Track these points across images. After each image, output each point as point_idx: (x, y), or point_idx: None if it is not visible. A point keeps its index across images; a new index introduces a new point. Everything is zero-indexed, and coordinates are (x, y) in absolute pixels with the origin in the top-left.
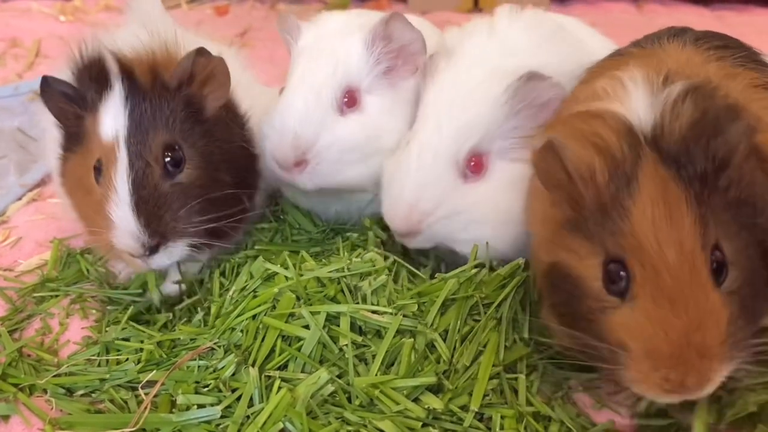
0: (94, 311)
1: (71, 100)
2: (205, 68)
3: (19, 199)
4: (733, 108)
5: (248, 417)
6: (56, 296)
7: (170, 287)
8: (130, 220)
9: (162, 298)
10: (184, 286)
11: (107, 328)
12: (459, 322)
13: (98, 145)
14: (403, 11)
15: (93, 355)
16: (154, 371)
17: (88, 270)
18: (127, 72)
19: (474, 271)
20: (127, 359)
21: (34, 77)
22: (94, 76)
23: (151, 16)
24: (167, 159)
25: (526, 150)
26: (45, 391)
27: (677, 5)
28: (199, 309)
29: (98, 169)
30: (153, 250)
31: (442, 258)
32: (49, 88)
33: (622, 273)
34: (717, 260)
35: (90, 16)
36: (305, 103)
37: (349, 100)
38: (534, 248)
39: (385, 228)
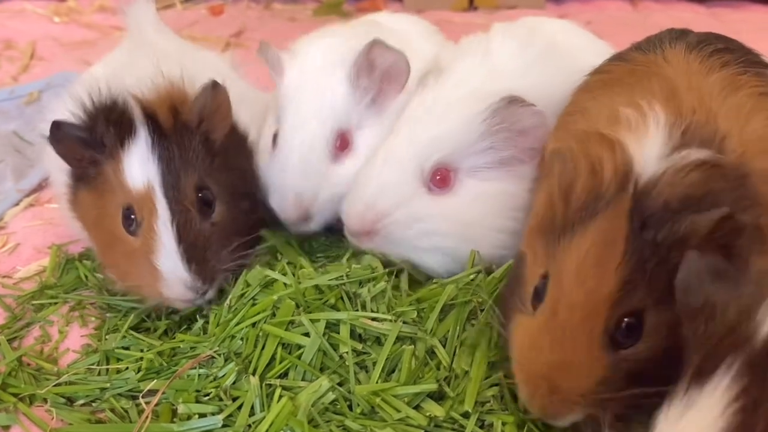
0: (93, 318)
1: (86, 144)
2: (215, 101)
3: (17, 204)
4: (732, 183)
5: (250, 426)
6: (55, 303)
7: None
8: (181, 270)
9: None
10: None
11: (107, 336)
12: (458, 327)
13: (124, 192)
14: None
15: (93, 364)
16: (155, 380)
17: (86, 276)
18: (151, 116)
19: (472, 276)
20: (128, 368)
21: (29, 80)
22: (112, 120)
23: (147, 29)
24: (200, 200)
25: (501, 171)
26: (45, 400)
27: (672, 2)
28: (198, 317)
29: (129, 218)
30: (204, 293)
31: None
32: (60, 132)
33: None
34: (627, 325)
35: (84, 17)
36: (301, 160)
37: (342, 144)
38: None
39: None
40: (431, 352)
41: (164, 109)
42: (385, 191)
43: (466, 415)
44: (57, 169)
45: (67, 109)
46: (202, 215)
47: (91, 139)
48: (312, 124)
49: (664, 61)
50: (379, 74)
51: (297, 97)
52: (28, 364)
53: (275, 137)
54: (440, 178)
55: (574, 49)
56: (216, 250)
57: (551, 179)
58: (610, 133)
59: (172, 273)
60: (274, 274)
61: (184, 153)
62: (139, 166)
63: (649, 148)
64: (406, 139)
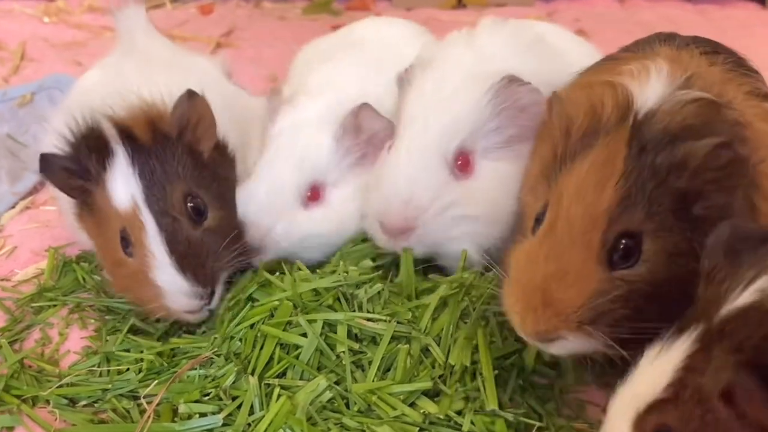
0: (92, 321)
1: (74, 174)
2: (196, 110)
3: (12, 207)
4: (730, 123)
5: (249, 425)
6: (54, 306)
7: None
8: (179, 280)
9: None
10: None
11: (107, 338)
12: (452, 326)
13: (116, 215)
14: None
15: (94, 366)
16: (156, 381)
17: (84, 278)
18: (126, 133)
19: (465, 276)
20: (128, 369)
21: (20, 81)
22: (92, 146)
23: (138, 35)
24: (190, 208)
25: (508, 150)
26: (48, 402)
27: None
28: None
29: (125, 239)
30: (209, 299)
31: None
32: (48, 165)
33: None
34: (625, 246)
35: (74, 17)
36: (267, 196)
37: (313, 195)
38: None
39: None
40: (426, 351)
41: (140, 125)
42: (419, 184)
43: (460, 413)
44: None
45: (52, 143)
46: (193, 222)
47: (77, 168)
48: (288, 165)
49: (656, 54)
50: (366, 138)
51: (282, 141)
52: (30, 366)
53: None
54: (461, 163)
55: (561, 48)
56: (213, 252)
57: (551, 122)
58: (613, 80)
59: (170, 285)
60: (272, 278)
61: (167, 164)
62: (121, 185)
63: (651, 88)
64: (423, 129)
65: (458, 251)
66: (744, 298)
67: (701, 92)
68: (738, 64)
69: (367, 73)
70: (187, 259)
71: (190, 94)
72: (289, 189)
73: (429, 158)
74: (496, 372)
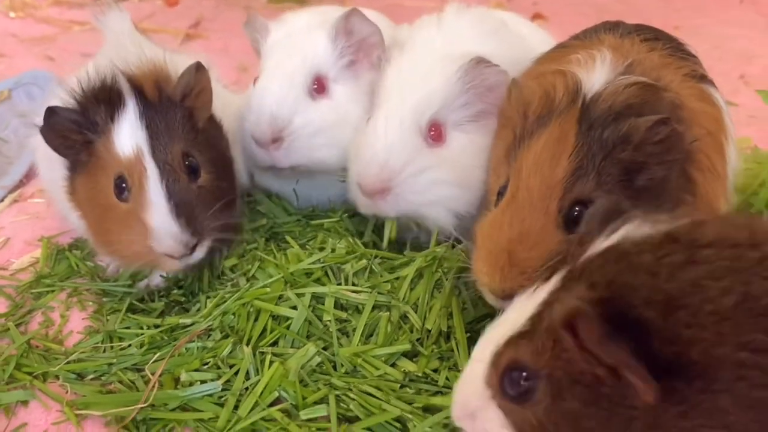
0: (90, 303)
1: (80, 126)
2: (200, 83)
3: (1, 200)
4: (667, 104)
5: (246, 389)
6: (53, 291)
7: (157, 279)
8: (172, 223)
9: (150, 289)
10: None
11: (108, 318)
12: (427, 295)
13: (116, 162)
14: None
15: (97, 343)
16: (158, 353)
17: (77, 265)
18: (138, 88)
19: (438, 249)
20: (130, 345)
21: None
22: (103, 97)
23: (123, 36)
24: (187, 165)
25: (477, 124)
26: (57, 377)
27: None
28: (191, 296)
29: (121, 186)
30: (193, 248)
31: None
32: (54, 117)
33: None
34: (579, 211)
35: (40, 12)
36: (280, 87)
37: (319, 87)
38: None
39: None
40: (404, 317)
41: (150, 83)
42: (394, 150)
43: (436, 371)
44: (53, 162)
45: (59, 97)
46: (189, 178)
47: (84, 120)
48: (293, 61)
49: (600, 42)
50: (356, 41)
51: (281, 47)
52: (37, 347)
53: (255, 81)
54: (434, 133)
55: (521, 33)
56: (203, 209)
57: (509, 107)
58: (563, 68)
59: (162, 227)
60: (269, 258)
61: (170, 124)
62: (128, 134)
63: (596, 74)
64: (400, 102)
65: (433, 215)
66: (605, 244)
67: (640, 77)
68: (676, 49)
69: None
70: (181, 207)
71: (198, 67)
72: (298, 80)
73: (405, 127)
74: (469, 335)
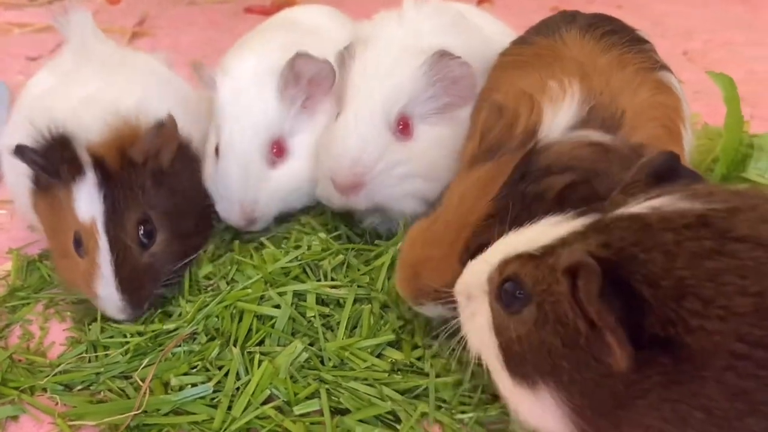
0: (68, 313)
1: (44, 170)
2: (162, 138)
3: None
4: (616, 162)
5: (237, 389)
6: (28, 303)
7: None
8: (116, 297)
9: None
10: None
11: (89, 327)
12: None
13: (74, 220)
14: None
15: (81, 353)
16: (146, 360)
17: (49, 275)
18: (97, 160)
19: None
20: (116, 353)
21: None
22: (65, 157)
23: (85, 40)
24: (141, 234)
25: (444, 116)
26: (44, 390)
27: None
28: (172, 302)
29: (78, 242)
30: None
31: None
32: (24, 156)
33: None
34: (475, 252)
35: None
36: (238, 168)
37: (277, 151)
38: None
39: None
40: (385, 307)
41: (112, 151)
42: (366, 146)
43: (421, 359)
44: (19, 175)
45: (27, 134)
46: (141, 247)
47: (49, 168)
48: (247, 135)
49: (564, 44)
50: (306, 82)
51: (231, 112)
52: (19, 361)
53: (217, 149)
54: (403, 127)
55: (479, 24)
56: (153, 277)
57: (477, 125)
58: (537, 98)
59: (107, 299)
60: (246, 261)
61: (130, 191)
62: (85, 203)
63: (560, 118)
64: (368, 97)
65: (404, 207)
66: (636, 208)
67: (601, 136)
68: (632, 41)
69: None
70: (128, 283)
71: (159, 125)
72: (253, 157)
73: (374, 122)
74: None
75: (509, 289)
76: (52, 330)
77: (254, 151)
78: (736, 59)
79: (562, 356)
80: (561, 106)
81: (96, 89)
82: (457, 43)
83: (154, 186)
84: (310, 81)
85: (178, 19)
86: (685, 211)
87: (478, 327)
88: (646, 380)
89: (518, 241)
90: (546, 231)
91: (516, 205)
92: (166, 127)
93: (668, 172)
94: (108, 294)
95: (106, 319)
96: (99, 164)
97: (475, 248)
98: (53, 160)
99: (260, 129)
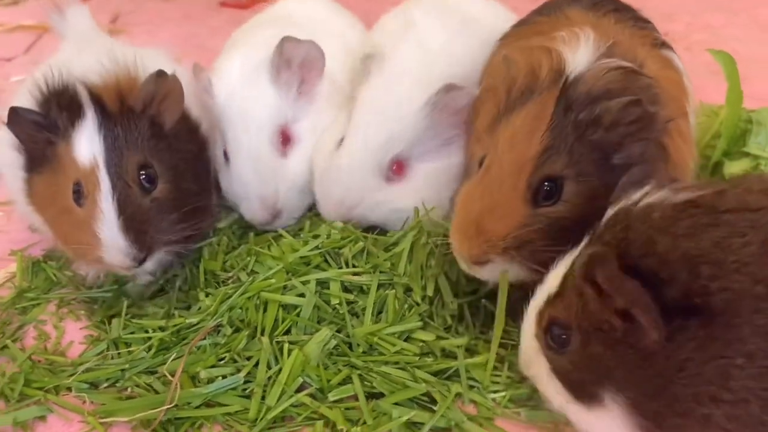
0: (82, 312)
1: (42, 127)
2: (163, 88)
3: None
4: (644, 86)
5: (269, 378)
6: (38, 304)
7: (144, 276)
8: (120, 238)
9: (139, 289)
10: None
11: (109, 324)
12: (423, 266)
13: (74, 168)
14: None
15: (102, 351)
16: (174, 355)
17: (55, 275)
18: (97, 100)
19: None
20: (139, 349)
21: None
22: (64, 104)
23: (85, 34)
24: (142, 177)
25: (442, 150)
26: (69, 389)
27: None
28: (189, 296)
29: (77, 192)
30: (141, 261)
31: None
32: (18, 117)
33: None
34: (547, 187)
35: None
36: (254, 164)
37: (284, 139)
38: None
39: None
40: (407, 291)
41: (111, 94)
42: (351, 190)
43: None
44: (12, 166)
45: (25, 96)
46: (143, 191)
47: (46, 122)
48: (252, 129)
49: (567, 19)
50: (297, 66)
51: (231, 112)
52: (39, 361)
53: (225, 153)
54: (396, 168)
55: (478, 14)
56: (156, 222)
57: (498, 84)
58: (548, 45)
59: (111, 240)
60: (266, 252)
61: (129, 134)
62: (86, 144)
63: (581, 55)
64: (363, 142)
65: (397, 227)
66: (620, 207)
67: (622, 61)
68: (636, 20)
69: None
70: (130, 222)
71: (159, 74)
72: (263, 149)
73: (364, 169)
74: (470, 299)
75: (554, 333)
76: (68, 329)
77: (263, 143)
78: (718, 41)
79: (610, 360)
80: (578, 46)
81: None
82: (466, 48)
83: (154, 137)
84: (302, 65)
85: (153, 14)
86: (673, 200)
87: (544, 384)
88: (682, 349)
89: (542, 293)
90: (558, 272)
91: (570, 135)
92: (165, 79)
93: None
94: (111, 236)
95: (129, 316)
96: (98, 103)
97: (538, 182)
98: (50, 113)
99: (264, 120)
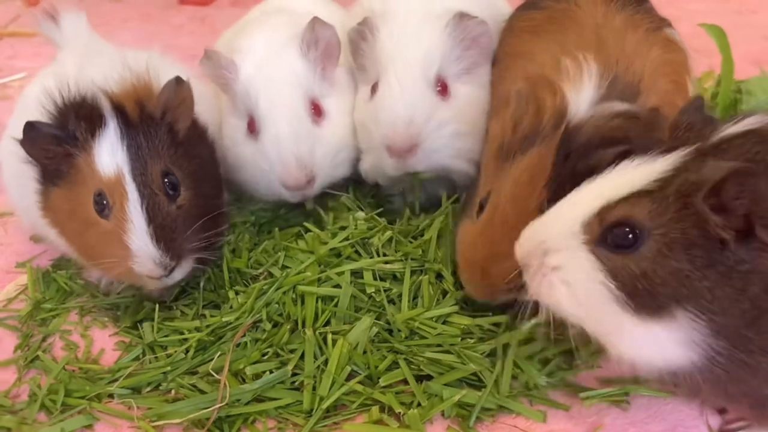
0: (106, 319)
1: (59, 140)
2: (179, 95)
3: None
4: (643, 126)
5: (317, 368)
6: (58, 315)
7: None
8: (151, 247)
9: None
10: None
11: (142, 330)
12: (452, 253)
13: (96, 179)
14: None
15: (138, 356)
16: (217, 353)
17: (67, 284)
18: (119, 108)
19: (447, 207)
20: (176, 351)
21: None
22: (83, 115)
23: (85, 42)
24: (167, 185)
25: (471, 75)
26: (110, 396)
27: None
28: (219, 294)
29: (101, 203)
30: (171, 270)
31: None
32: (35, 131)
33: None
34: None
35: None
36: (288, 125)
37: (316, 111)
38: None
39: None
40: (438, 276)
41: (131, 102)
42: (416, 107)
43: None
44: (21, 177)
45: (38, 109)
46: (169, 198)
47: (63, 135)
48: (288, 94)
49: (576, 6)
50: (322, 48)
51: (263, 80)
52: (74, 371)
53: (250, 126)
54: (441, 88)
55: None
56: (182, 230)
57: (507, 113)
58: (554, 80)
59: (142, 250)
60: (296, 247)
61: (151, 142)
62: (109, 154)
63: (583, 96)
64: (406, 62)
65: (457, 167)
66: (736, 128)
67: (622, 105)
68: (637, 2)
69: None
70: (161, 230)
71: (178, 81)
72: (300, 112)
73: (418, 85)
74: None
75: (619, 231)
76: (96, 337)
77: (299, 107)
78: (685, 15)
79: (702, 278)
80: (581, 84)
81: (106, 73)
82: (465, 4)
83: (173, 144)
84: (325, 48)
85: (107, 16)
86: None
87: (575, 279)
88: None
89: (606, 187)
90: (634, 173)
91: (568, 184)
92: (183, 86)
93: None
94: (142, 246)
95: (161, 319)
96: (120, 112)
97: None
98: (68, 124)
99: (298, 88)
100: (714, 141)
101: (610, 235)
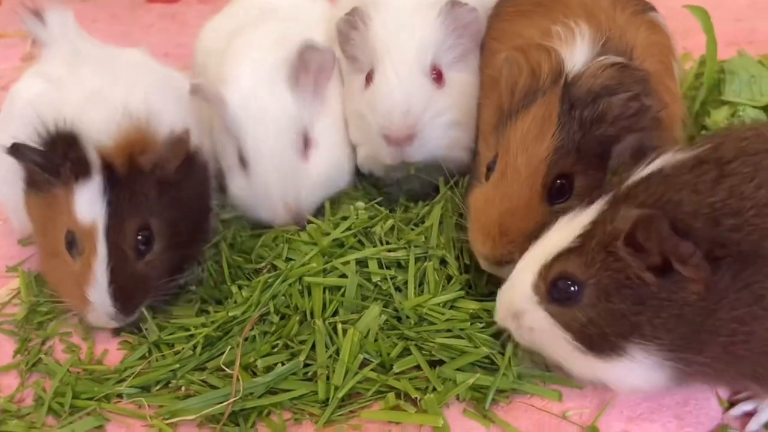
0: None
1: (42, 168)
2: (178, 151)
3: None
4: (638, 80)
5: (329, 358)
6: (55, 318)
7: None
8: (108, 305)
9: None
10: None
11: (145, 328)
12: (454, 239)
13: (71, 219)
14: None
15: (143, 354)
16: (227, 348)
17: None
18: (107, 164)
19: (445, 193)
20: (183, 348)
21: None
22: (71, 156)
23: (73, 36)
24: (139, 240)
25: (464, 63)
26: (119, 396)
27: None
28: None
29: (71, 241)
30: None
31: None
32: (19, 155)
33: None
34: (560, 185)
35: None
36: (274, 170)
37: (306, 143)
38: None
39: None
40: (442, 262)
41: (122, 156)
42: (412, 96)
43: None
44: (10, 172)
45: (25, 131)
46: (138, 255)
47: (47, 166)
48: (274, 134)
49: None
50: (314, 71)
51: (249, 117)
52: (78, 373)
53: (241, 159)
54: (436, 76)
55: None
56: (146, 286)
57: (501, 81)
58: (546, 44)
59: (99, 304)
60: (298, 239)
61: (134, 197)
62: (87, 206)
63: (578, 54)
64: (401, 52)
65: (453, 156)
66: (645, 171)
67: (615, 57)
68: None
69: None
70: (121, 291)
71: (176, 139)
72: (287, 154)
73: (415, 74)
74: None
75: (561, 286)
76: (99, 337)
77: (286, 149)
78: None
79: (637, 313)
80: (574, 45)
81: (101, 87)
82: None
83: (159, 195)
84: (317, 70)
85: (78, 16)
86: (684, 158)
87: (542, 334)
88: (718, 285)
89: (546, 248)
90: (566, 228)
91: (576, 132)
92: (180, 141)
93: (642, 151)
94: (100, 300)
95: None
96: (107, 168)
97: (552, 181)
98: (54, 158)
99: (285, 126)
100: (626, 186)
101: (554, 291)
